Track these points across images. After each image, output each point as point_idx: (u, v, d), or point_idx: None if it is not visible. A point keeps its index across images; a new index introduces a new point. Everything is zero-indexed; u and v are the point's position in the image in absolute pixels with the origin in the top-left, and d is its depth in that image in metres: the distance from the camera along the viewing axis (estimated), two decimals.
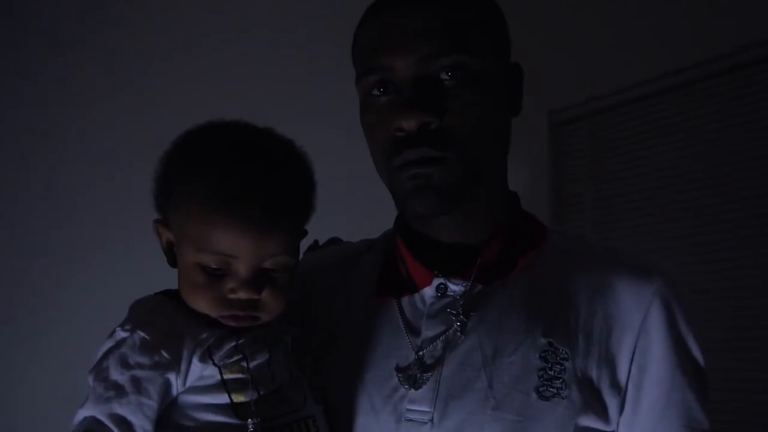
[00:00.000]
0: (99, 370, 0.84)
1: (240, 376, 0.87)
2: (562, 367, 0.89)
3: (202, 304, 0.87)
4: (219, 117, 0.93)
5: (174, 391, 0.84)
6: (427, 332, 0.94)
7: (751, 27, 1.77)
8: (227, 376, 0.86)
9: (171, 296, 0.91)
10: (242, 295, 0.86)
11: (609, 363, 0.90)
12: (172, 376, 0.83)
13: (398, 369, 0.93)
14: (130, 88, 2.30)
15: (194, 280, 0.87)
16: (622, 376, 0.90)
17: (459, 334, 0.92)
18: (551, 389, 0.88)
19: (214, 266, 0.86)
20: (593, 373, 0.89)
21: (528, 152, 2.29)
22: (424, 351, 0.93)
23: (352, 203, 1.90)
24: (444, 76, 0.89)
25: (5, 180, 2.28)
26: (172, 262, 0.92)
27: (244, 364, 0.87)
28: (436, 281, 0.95)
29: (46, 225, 2.28)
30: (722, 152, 1.87)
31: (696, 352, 0.92)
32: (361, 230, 1.17)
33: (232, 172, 0.85)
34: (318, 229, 1.02)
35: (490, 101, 0.92)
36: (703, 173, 1.92)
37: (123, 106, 2.30)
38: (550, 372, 0.89)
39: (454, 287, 0.95)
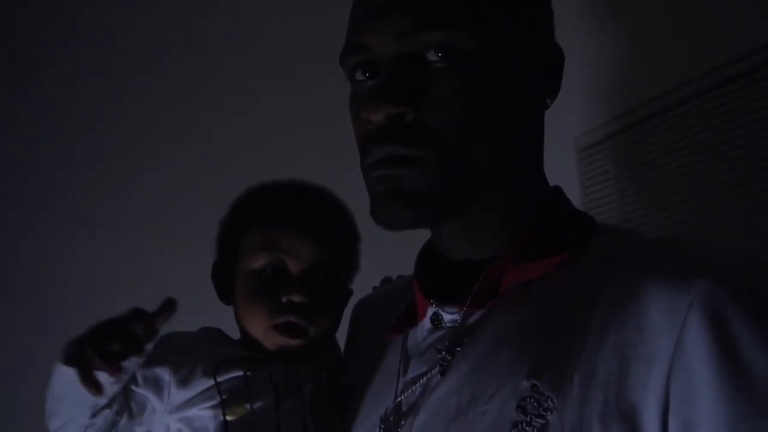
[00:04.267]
0: None
1: (242, 418, 0.85)
2: (544, 422, 0.65)
3: (257, 310, 0.92)
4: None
5: (165, 388, 0.87)
6: (411, 373, 0.79)
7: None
8: (229, 417, 0.85)
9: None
10: (296, 297, 0.91)
11: (624, 416, 0.62)
12: (165, 373, 0.87)
13: (382, 419, 0.79)
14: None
15: (251, 287, 0.94)
16: None
17: (439, 375, 0.75)
18: None
19: (270, 270, 0.93)
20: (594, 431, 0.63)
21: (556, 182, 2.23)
22: (404, 396, 0.78)
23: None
24: (432, 57, 0.71)
25: None
26: (227, 299, 0.99)
27: (248, 406, 0.86)
28: (431, 310, 0.80)
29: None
30: (750, 159, 1.78)
31: None
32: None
33: (288, 198, 0.99)
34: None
35: (492, 89, 0.73)
36: (729, 186, 1.80)
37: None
38: (527, 428, 0.65)
39: (449, 316, 0.78)
